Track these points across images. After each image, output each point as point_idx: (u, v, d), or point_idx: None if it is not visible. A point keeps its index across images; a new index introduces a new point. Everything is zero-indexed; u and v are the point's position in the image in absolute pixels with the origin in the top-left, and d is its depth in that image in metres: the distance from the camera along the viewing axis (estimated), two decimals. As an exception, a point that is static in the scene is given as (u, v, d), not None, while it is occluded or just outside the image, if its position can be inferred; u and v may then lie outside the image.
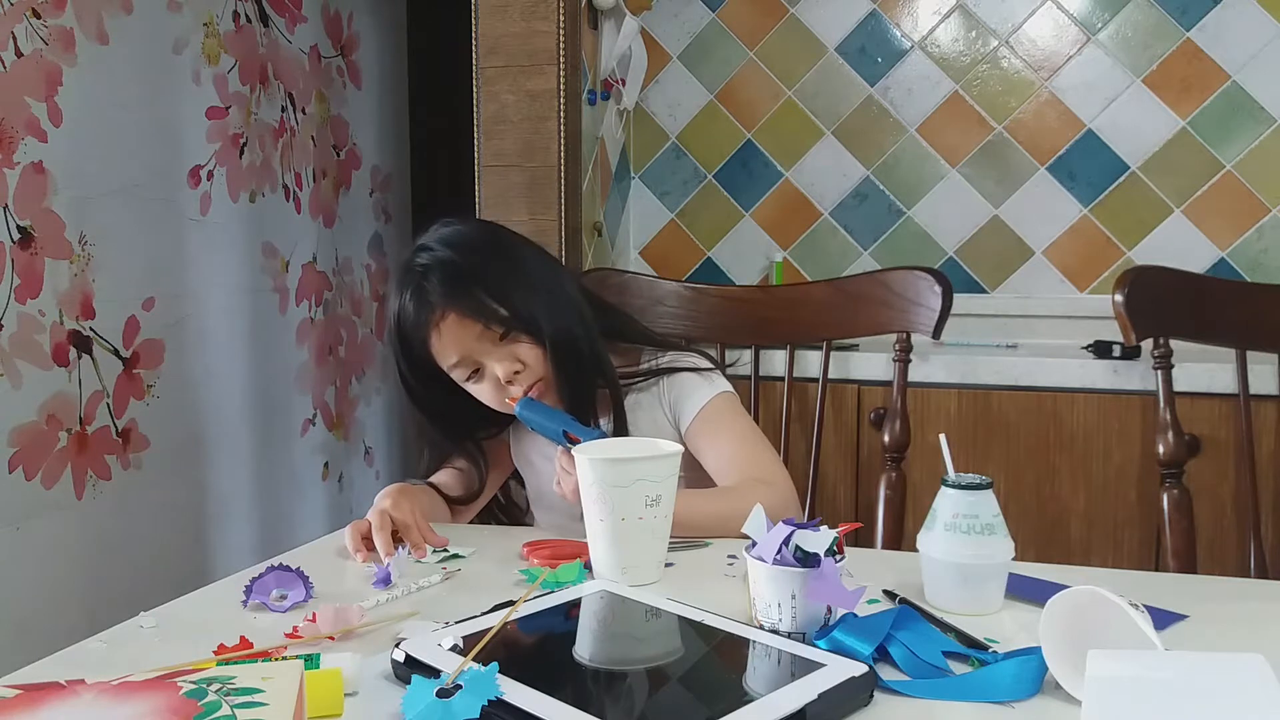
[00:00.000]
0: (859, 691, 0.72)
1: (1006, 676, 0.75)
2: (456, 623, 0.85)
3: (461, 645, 0.79)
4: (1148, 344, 1.51)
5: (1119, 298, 1.48)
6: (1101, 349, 1.88)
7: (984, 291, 2.37)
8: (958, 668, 0.79)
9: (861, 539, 1.61)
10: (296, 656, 0.79)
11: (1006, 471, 1.87)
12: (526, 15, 2.11)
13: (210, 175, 2.26)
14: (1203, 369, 1.74)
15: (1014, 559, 0.93)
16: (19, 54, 1.78)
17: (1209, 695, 0.63)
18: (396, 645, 0.79)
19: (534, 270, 1.29)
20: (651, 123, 2.57)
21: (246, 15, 2.36)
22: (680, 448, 1.03)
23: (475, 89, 2.15)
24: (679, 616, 0.86)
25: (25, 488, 1.82)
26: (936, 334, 1.56)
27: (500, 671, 0.70)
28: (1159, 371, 1.50)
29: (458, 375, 1.27)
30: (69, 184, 1.89)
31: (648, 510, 0.99)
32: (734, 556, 1.07)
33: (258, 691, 0.60)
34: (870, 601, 0.92)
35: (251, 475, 2.42)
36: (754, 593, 0.86)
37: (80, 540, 1.93)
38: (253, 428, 2.42)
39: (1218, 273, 2.21)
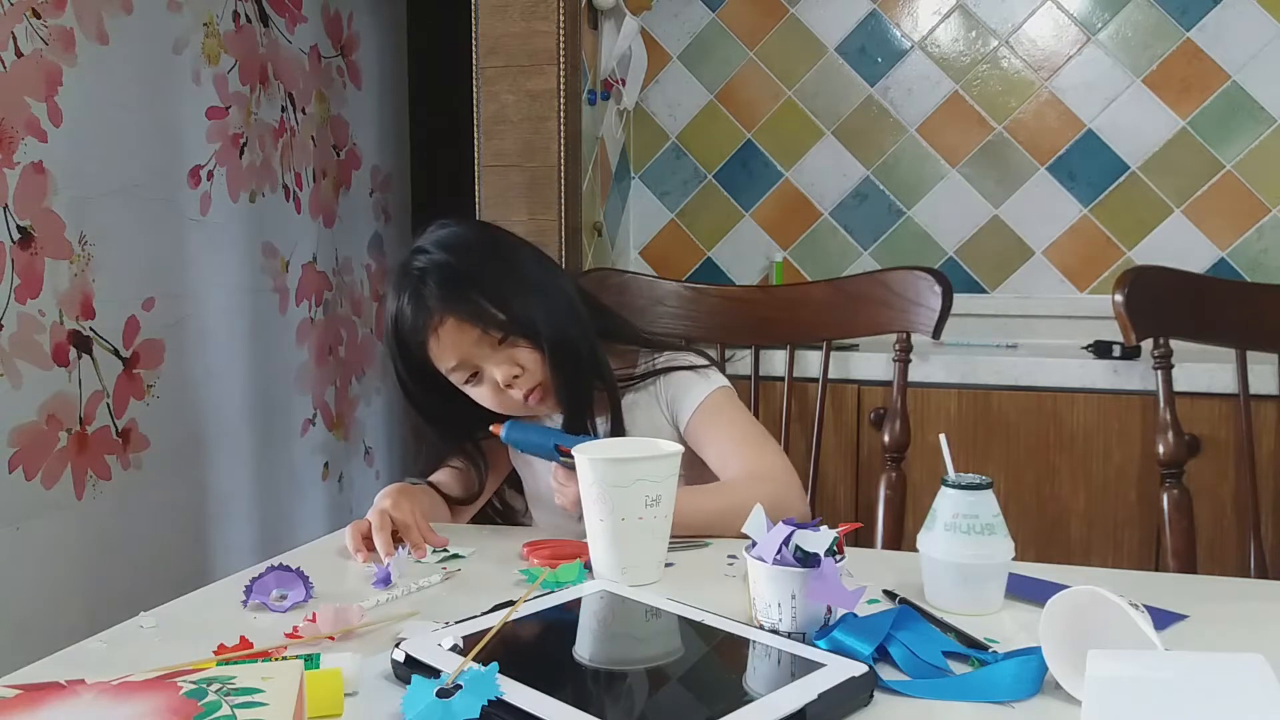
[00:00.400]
0: (859, 691, 0.72)
1: (1006, 676, 0.75)
2: (456, 623, 0.85)
3: (461, 645, 0.79)
4: (1148, 344, 1.51)
5: (1119, 298, 1.48)
6: (1101, 349, 1.88)
7: (984, 291, 2.37)
8: (958, 668, 0.79)
9: (861, 539, 1.61)
10: (296, 656, 0.79)
11: (1006, 471, 1.87)
12: (526, 15, 2.11)
13: (210, 175, 2.26)
14: (1203, 369, 1.74)
15: (1014, 559, 0.93)
16: (19, 54, 1.78)
17: (1209, 695, 0.63)
18: (396, 645, 0.79)
19: (532, 273, 1.29)
20: (651, 123, 2.57)
21: (246, 15, 2.36)
22: (680, 447, 1.03)
23: (475, 89, 2.15)
24: (679, 616, 0.86)
25: (25, 488, 1.82)
26: (936, 334, 1.56)
27: (500, 671, 0.70)
28: (1159, 371, 1.50)
29: (456, 378, 1.27)
30: (69, 184, 1.88)
31: (648, 510, 0.99)
32: (734, 556, 1.07)
33: (258, 691, 0.60)
34: (870, 601, 0.92)
35: (251, 475, 2.42)
36: (754, 593, 0.86)
37: (80, 540, 1.93)
38: (253, 428, 2.42)
39: (1218, 273, 2.21)
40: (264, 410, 2.45)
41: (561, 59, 2.10)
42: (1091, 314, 2.17)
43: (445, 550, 1.12)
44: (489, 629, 0.80)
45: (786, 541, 0.85)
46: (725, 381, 1.36)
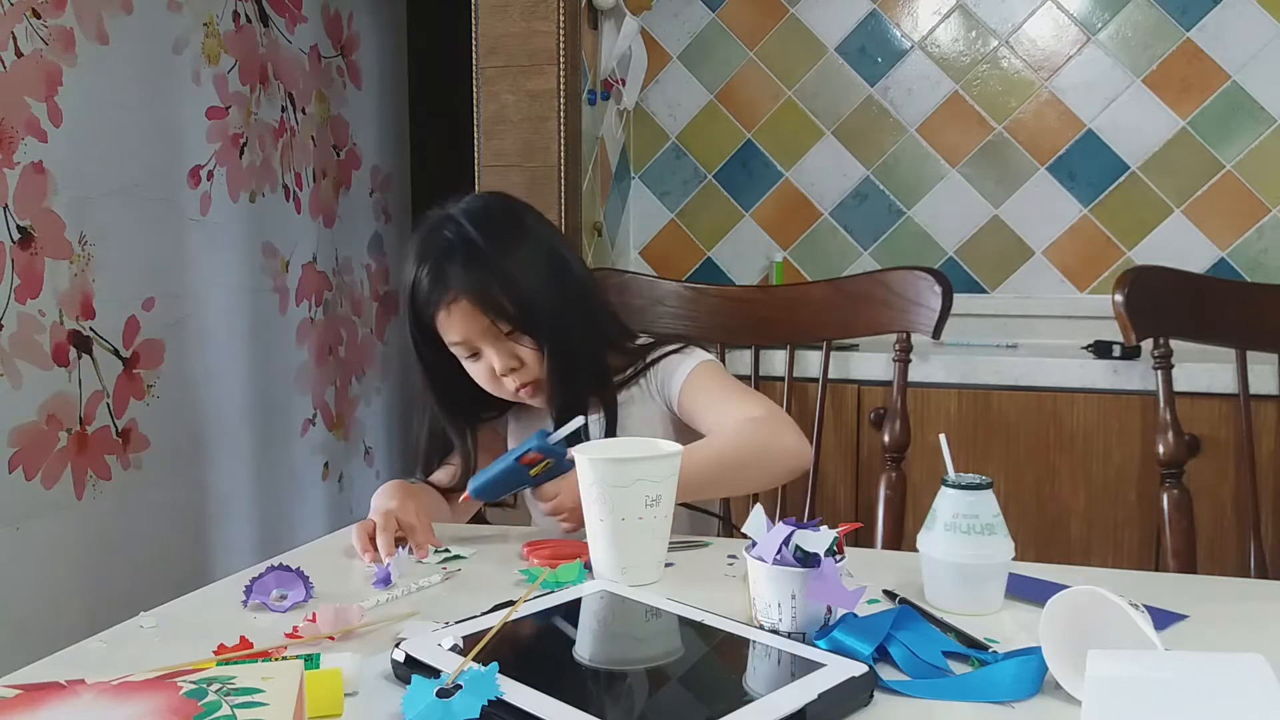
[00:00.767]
0: (859, 691, 0.72)
1: (1006, 676, 0.75)
2: (456, 623, 0.85)
3: (461, 645, 0.79)
4: (1148, 344, 1.51)
5: (1119, 298, 1.48)
6: (1101, 349, 1.88)
7: (984, 291, 2.37)
8: (958, 668, 0.79)
9: (861, 539, 1.61)
10: (296, 656, 0.79)
11: (1006, 471, 1.87)
12: (526, 15, 2.11)
13: (210, 175, 2.26)
14: (1203, 369, 1.74)
15: (1014, 559, 0.93)
16: (19, 54, 1.78)
17: (1209, 695, 0.63)
18: (396, 645, 0.79)
19: (553, 272, 1.29)
20: (651, 123, 2.57)
21: (246, 15, 2.36)
22: (680, 447, 1.03)
23: (475, 89, 2.15)
24: (679, 616, 0.86)
25: (25, 488, 1.82)
26: (936, 334, 1.56)
27: (500, 671, 0.70)
28: (1159, 371, 1.50)
29: (458, 351, 1.29)
30: (69, 184, 1.89)
31: (648, 510, 0.99)
32: (734, 556, 1.07)
33: (258, 691, 0.60)
34: (870, 601, 0.92)
35: (251, 475, 2.42)
36: (754, 593, 0.86)
37: (80, 540, 1.93)
38: (253, 428, 2.42)
39: (1218, 273, 2.21)
40: (264, 410, 2.45)
41: (561, 59, 2.10)
42: (1091, 314, 2.17)
43: (445, 550, 1.12)
44: (489, 629, 0.80)
45: (786, 541, 0.85)
46: (709, 355, 1.37)
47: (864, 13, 2.41)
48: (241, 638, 0.84)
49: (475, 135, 2.16)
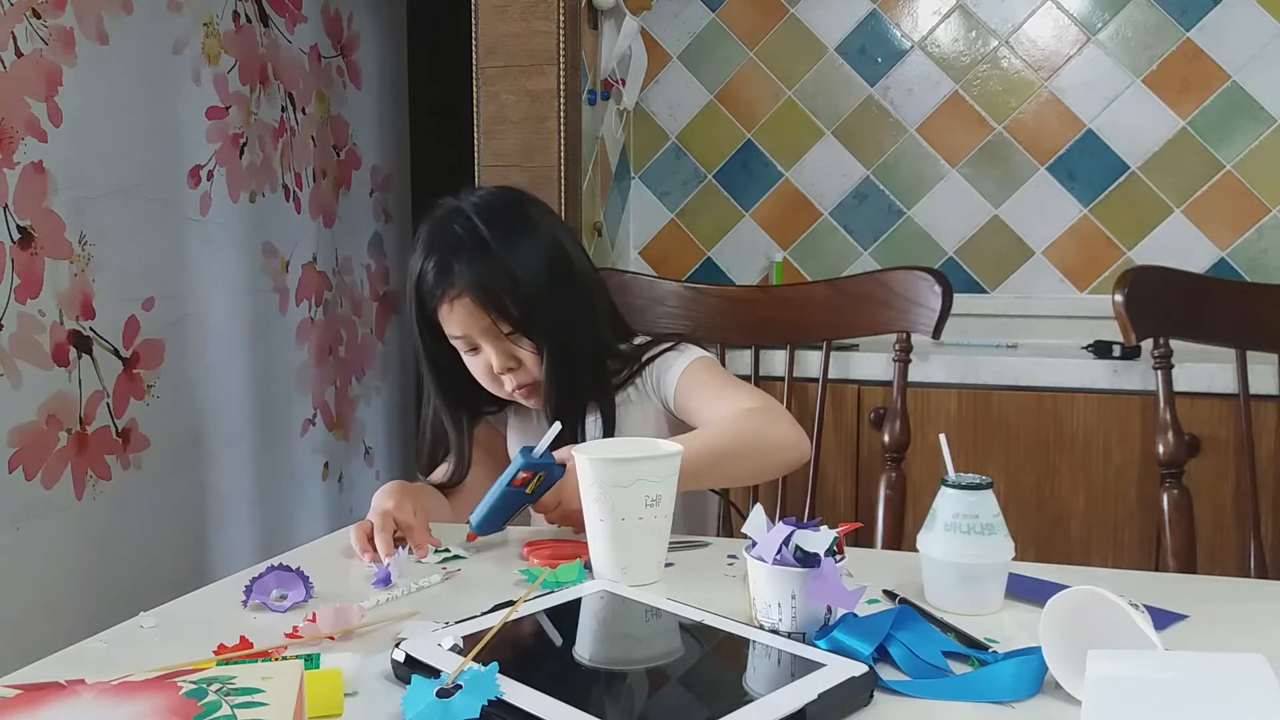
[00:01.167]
0: (859, 691, 0.72)
1: (1006, 676, 0.75)
2: (456, 623, 0.84)
3: (461, 645, 0.79)
4: (1148, 344, 1.51)
5: (1119, 298, 1.48)
6: (1101, 349, 1.88)
7: (984, 291, 2.37)
8: (958, 668, 0.79)
9: (861, 539, 1.61)
10: (296, 656, 0.79)
11: (1006, 471, 1.87)
12: (526, 15, 2.11)
13: (210, 175, 2.26)
14: (1203, 369, 1.74)
15: (1014, 559, 0.93)
16: (19, 54, 1.78)
17: (1209, 695, 0.63)
18: (396, 645, 0.79)
19: (560, 276, 1.28)
20: (651, 123, 2.57)
21: (246, 15, 2.36)
22: (680, 447, 1.03)
23: (475, 89, 2.15)
24: (679, 616, 0.86)
25: (25, 488, 1.82)
26: (936, 334, 1.56)
27: (500, 671, 0.70)
28: (1159, 371, 1.50)
29: (458, 345, 1.29)
30: (69, 184, 1.88)
31: (648, 510, 0.99)
32: (734, 557, 1.07)
33: (258, 691, 0.60)
34: (870, 601, 0.92)
35: (251, 475, 2.42)
36: (754, 593, 0.86)
37: (80, 540, 1.93)
38: (253, 428, 2.42)
39: (1218, 273, 2.21)
40: (264, 410, 2.45)
41: (561, 59, 2.10)
42: (1091, 314, 2.17)
43: (445, 550, 1.12)
44: (489, 629, 0.80)
45: (786, 541, 0.85)
46: (703, 351, 1.37)
47: (864, 13, 2.41)
48: (241, 638, 0.84)
49: (475, 135, 2.16)
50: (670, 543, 1.03)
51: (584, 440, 1.31)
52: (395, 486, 1.24)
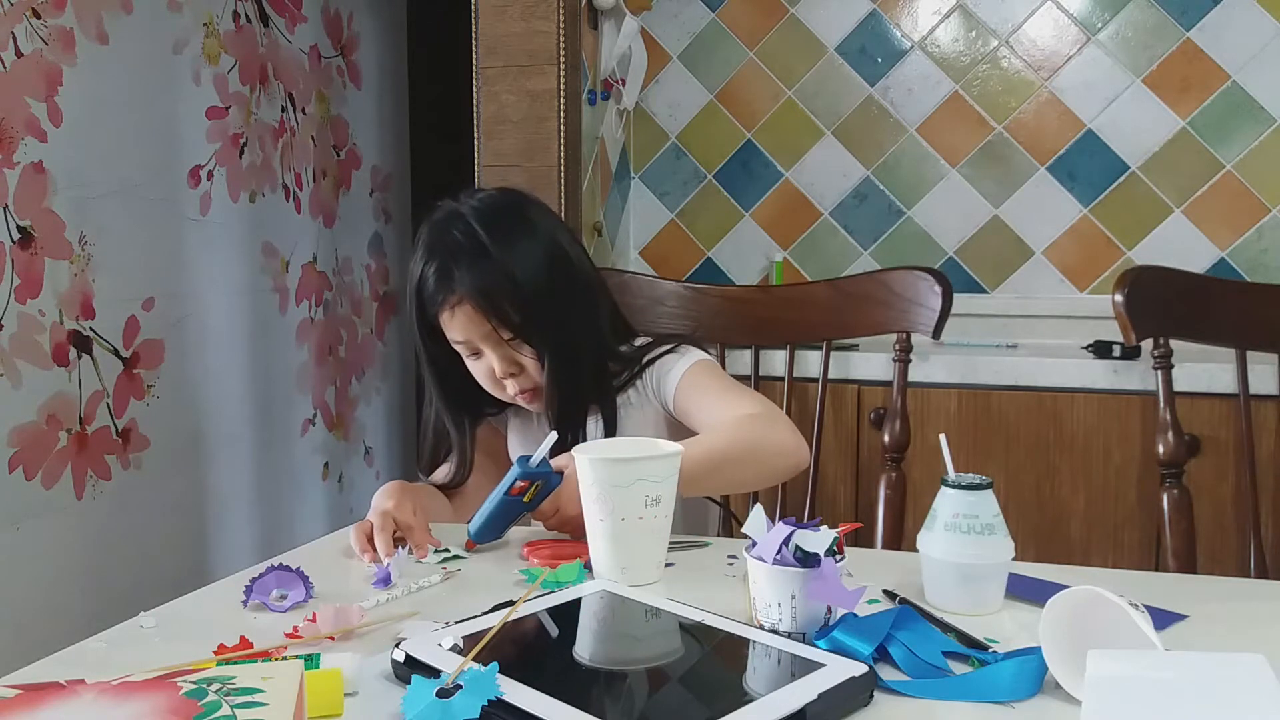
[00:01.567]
0: (859, 691, 0.72)
1: (1006, 676, 0.75)
2: (456, 623, 0.84)
3: (461, 645, 0.79)
4: (1148, 344, 1.51)
5: (1119, 298, 1.48)
6: (1101, 349, 1.88)
7: (984, 291, 2.37)
8: (958, 668, 0.79)
9: (861, 539, 1.61)
10: (296, 656, 0.79)
11: (1006, 471, 1.87)
12: (526, 15, 2.11)
13: (210, 175, 2.26)
14: (1203, 369, 1.74)
15: (1014, 559, 0.93)
16: (19, 54, 1.78)
17: (1209, 695, 0.63)
18: (396, 645, 0.79)
19: (561, 282, 1.28)
20: (651, 123, 2.57)
21: (246, 15, 2.36)
22: (680, 447, 1.03)
23: (475, 89, 2.15)
24: (679, 616, 0.86)
25: (25, 488, 1.82)
26: (936, 334, 1.56)
27: (500, 671, 0.70)
28: (1159, 371, 1.50)
29: (460, 350, 1.29)
30: (69, 184, 1.89)
31: (648, 510, 0.98)
32: (734, 556, 1.07)
33: (258, 691, 0.60)
34: (870, 601, 0.92)
35: (251, 475, 2.42)
36: (754, 593, 0.86)
37: (80, 540, 1.93)
38: (253, 428, 2.42)
39: (1218, 273, 2.21)
40: (264, 410, 2.46)
41: (561, 59, 2.10)
42: (1091, 314, 2.17)
43: (446, 550, 1.12)
44: (489, 629, 0.80)
45: (786, 541, 0.84)
46: (704, 354, 1.36)
47: (864, 13, 2.41)
48: (241, 638, 0.84)
49: (475, 135, 2.16)
50: (670, 543, 1.03)
51: (584, 438, 1.31)
52: (395, 486, 1.23)
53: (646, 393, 1.34)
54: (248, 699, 0.59)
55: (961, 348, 2.08)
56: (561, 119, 2.11)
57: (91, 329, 1.95)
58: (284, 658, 0.81)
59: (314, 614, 0.87)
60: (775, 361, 1.78)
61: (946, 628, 0.85)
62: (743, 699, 0.69)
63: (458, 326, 1.26)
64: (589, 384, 1.30)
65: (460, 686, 0.68)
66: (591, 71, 2.30)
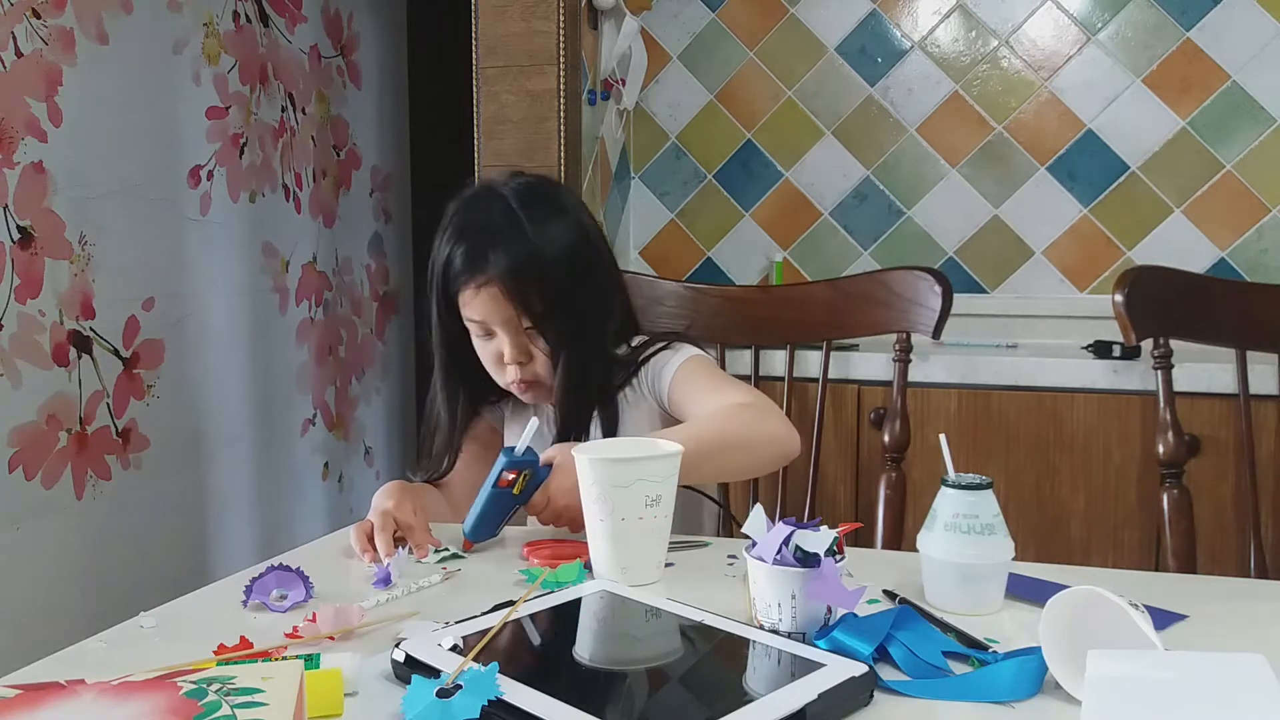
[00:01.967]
0: (859, 691, 0.72)
1: (1006, 676, 0.75)
2: (456, 623, 0.84)
3: (461, 645, 0.79)
4: (1148, 344, 1.51)
5: (1119, 298, 1.48)
6: (1101, 349, 1.88)
7: (984, 291, 2.37)
8: (958, 668, 0.79)
9: (861, 539, 1.61)
10: (296, 656, 0.79)
11: (1006, 471, 1.87)
12: (526, 15, 2.11)
13: (210, 175, 2.26)
14: (1203, 369, 1.74)
15: (1014, 559, 0.93)
16: (19, 54, 1.78)
17: (1209, 695, 0.63)
18: (396, 645, 0.79)
19: (587, 286, 1.28)
20: (651, 123, 2.57)
21: (246, 15, 2.36)
22: (680, 447, 1.03)
23: (475, 89, 2.15)
24: (679, 616, 0.86)
25: (25, 488, 1.82)
26: (936, 334, 1.56)
27: (500, 671, 0.70)
28: (1159, 371, 1.50)
29: (473, 328, 1.29)
30: (69, 184, 1.89)
31: (648, 510, 0.98)
32: (734, 556, 1.07)
33: (258, 691, 0.60)
34: (870, 601, 0.92)
35: (251, 475, 2.42)
36: (754, 593, 0.86)
37: (80, 540, 1.93)
38: (253, 428, 2.42)
39: (1218, 273, 2.21)
40: (264, 410, 2.46)
41: (561, 59, 2.10)
42: (1091, 314, 2.17)
43: (446, 550, 1.12)
44: (489, 629, 0.80)
45: (786, 541, 0.84)
46: (698, 350, 1.36)
47: (864, 13, 2.41)
48: (241, 638, 0.84)
49: (475, 135, 2.16)
50: (670, 543, 1.03)
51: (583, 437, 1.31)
52: (395, 486, 1.23)
53: (642, 390, 1.35)
54: (248, 699, 0.59)
55: (961, 348, 2.08)
56: (561, 119, 2.11)
57: (91, 329, 1.95)
58: (284, 658, 0.81)
59: (314, 614, 0.87)
60: (775, 361, 1.78)
61: (946, 628, 0.85)
62: (743, 699, 0.69)
63: (479, 306, 1.25)
64: (595, 382, 1.30)
65: (460, 686, 0.68)
66: (591, 71, 2.30)
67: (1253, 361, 1.57)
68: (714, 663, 0.80)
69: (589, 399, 1.30)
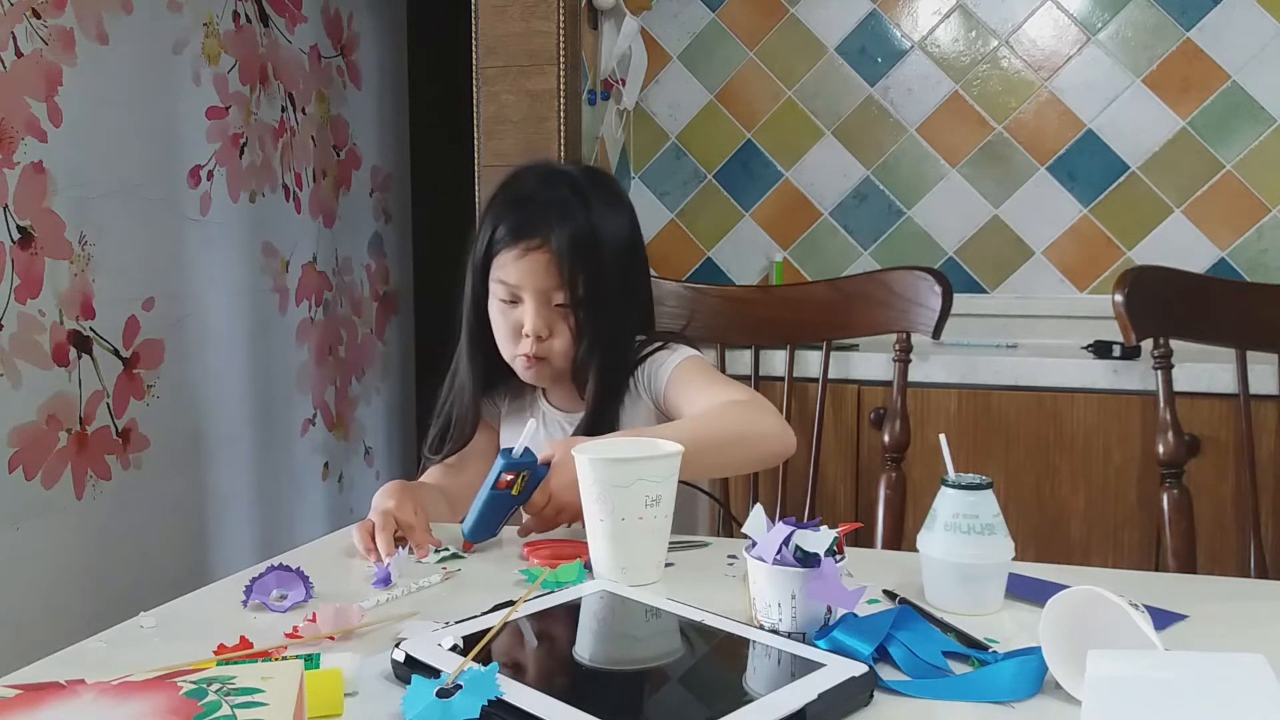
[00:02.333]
0: (859, 691, 0.72)
1: (1006, 676, 0.75)
2: (456, 623, 0.84)
3: (461, 645, 0.79)
4: (1148, 344, 1.51)
5: (1119, 298, 1.48)
6: (1101, 349, 1.88)
7: (984, 291, 2.37)
8: (958, 668, 0.79)
9: (861, 539, 1.61)
10: (296, 656, 0.79)
11: (1006, 471, 1.87)
12: (526, 15, 2.11)
13: (210, 175, 2.26)
14: (1203, 369, 1.74)
15: (1014, 559, 0.93)
16: (19, 54, 1.78)
17: (1209, 695, 0.63)
18: (396, 645, 0.79)
19: (632, 272, 1.31)
20: (651, 123, 2.57)
21: (246, 15, 2.36)
22: (680, 447, 1.03)
23: (475, 89, 2.16)
24: (679, 616, 0.86)
25: (25, 488, 1.82)
26: (936, 334, 1.56)
27: (500, 671, 0.70)
28: (1159, 371, 1.50)
29: (499, 290, 1.28)
30: (69, 184, 1.89)
31: (648, 510, 0.98)
32: (734, 557, 1.07)
33: (258, 691, 0.60)
34: (870, 601, 0.92)
35: (251, 475, 2.42)
36: (754, 593, 0.86)
37: (80, 540, 1.93)
38: (253, 428, 2.42)
39: (1218, 273, 2.21)
40: (264, 410, 2.46)
41: (561, 59, 2.10)
42: (1091, 314, 2.17)
43: (446, 550, 1.12)
44: (489, 629, 0.80)
45: (786, 541, 0.84)
46: (694, 350, 1.37)
47: (864, 13, 2.41)
48: (241, 638, 0.84)
49: (475, 135, 2.16)
50: (670, 543, 1.03)
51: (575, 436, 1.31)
52: (396, 486, 1.23)
53: (638, 389, 1.35)
54: (248, 699, 0.59)
55: (961, 348, 2.08)
56: (561, 119, 2.11)
57: (91, 329, 1.95)
58: (284, 658, 0.81)
59: (314, 614, 0.87)
60: (775, 361, 1.78)
61: (946, 628, 0.85)
62: (743, 699, 0.69)
63: (519, 269, 1.24)
64: (602, 391, 1.30)
65: (460, 686, 0.68)
66: (591, 71, 2.30)
67: (1253, 361, 1.57)
68: (714, 663, 0.80)
69: (617, 385, 1.31)
